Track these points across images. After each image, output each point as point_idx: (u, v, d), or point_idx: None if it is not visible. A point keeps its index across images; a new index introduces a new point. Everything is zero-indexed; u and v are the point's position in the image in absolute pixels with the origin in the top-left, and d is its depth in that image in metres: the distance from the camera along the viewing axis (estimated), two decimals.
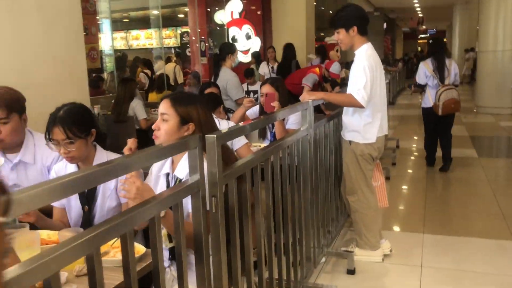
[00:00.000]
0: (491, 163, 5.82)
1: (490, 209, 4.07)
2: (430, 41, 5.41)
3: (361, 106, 2.72)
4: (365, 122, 2.87)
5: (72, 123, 1.78)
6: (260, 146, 3.37)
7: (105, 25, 6.52)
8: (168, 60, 8.98)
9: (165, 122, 1.73)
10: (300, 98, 2.82)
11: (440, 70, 5.07)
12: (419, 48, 33.52)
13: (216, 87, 3.74)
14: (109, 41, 6.66)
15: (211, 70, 7.74)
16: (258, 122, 2.08)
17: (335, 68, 5.89)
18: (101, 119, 5.12)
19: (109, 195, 1.89)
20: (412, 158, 6.31)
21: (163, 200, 1.38)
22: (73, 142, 1.78)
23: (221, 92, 4.34)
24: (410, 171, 5.63)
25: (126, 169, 1.23)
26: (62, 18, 3.35)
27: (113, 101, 5.02)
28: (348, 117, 2.96)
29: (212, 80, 4.60)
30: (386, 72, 9.59)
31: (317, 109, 4.25)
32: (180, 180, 1.75)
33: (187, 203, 1.60)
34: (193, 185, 1.48)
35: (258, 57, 7.90)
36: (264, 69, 7.50)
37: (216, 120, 2.81)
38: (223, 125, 2.85)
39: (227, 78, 4.55)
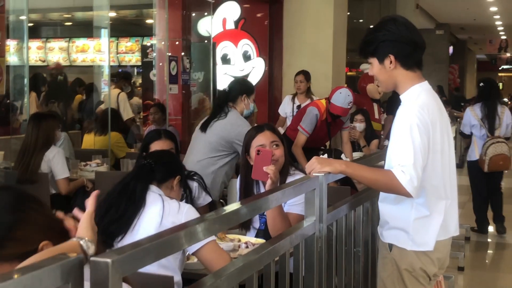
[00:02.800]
0: None
1: None
2: (481, 84, 6.39)
3: (407, 194, 2.35)
4: (418, 215, 2.51)
5: None
6: (239, 240, 3.00)
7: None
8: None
9: None
10: (306, 167, 2.45)
11: (490, 119, 6.00)
12: (501, 85, 33.70)
13: (171, 140, 3.44)
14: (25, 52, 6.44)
15: (186, 104, 7.48)
16: (220, 219, 1.69)
17: (339, 97, 5.32)
18: None
19: None
20: (492, 258, 5.95)
21: None
22: None
23: (217, 141, 4.33)
24: (489, 281, 5.32)
25: None
26: None
27: None
28: (388, 204, 2.58)
29: (207, 122, 4.49)
30: (452, 120, 9.39)
31: (344, 180, 3.92)
32: None
33: None
34: None
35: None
36: (286, 108, 7.12)
37: (158, 201, 2.53)
38: (168, 211, 2.47)
39: (239, 124, 4.40)
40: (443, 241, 2.55)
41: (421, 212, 2.50)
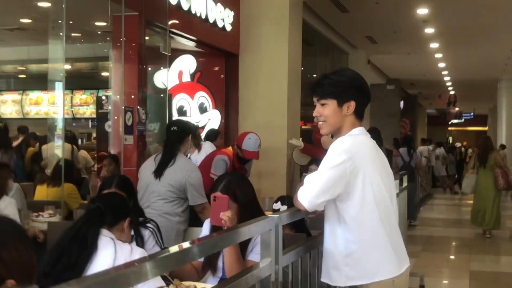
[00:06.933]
0: None
1: None
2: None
3: (302, 207, 2.58)
4: (348, 250, 2.58)
5: None
6: (195, 287, 2.97)
7: None
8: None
9: None
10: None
11: None
12: (450, 139, 34.59)
13: (122, 191, 3.42)
14: None
15: (141, 155, 7.44)
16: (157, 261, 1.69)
17: (249, 143, 5.69)
18: None
19: None
20: None
21: None
22: None
23: (171, 190, 4.42)
24: None
25: None
26: None
27: None
28: (326, 237, 2.71)
29: (160, 169, 4.53)
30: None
31: (296, 225, 3.96)
32: None
33: None
34: None
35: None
36: None
37: (110, 245, 2.50)
38: (120, 254, 2.46)
39: (188, 169, 4.54)
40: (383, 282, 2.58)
41: (349, 247, 2.57)
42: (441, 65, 17.63)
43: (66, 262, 2.45)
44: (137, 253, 2.51)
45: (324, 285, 3.00)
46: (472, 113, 31.47)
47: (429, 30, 12.77)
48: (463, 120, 31.77)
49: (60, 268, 2.43)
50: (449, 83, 22.08)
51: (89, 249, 2.48)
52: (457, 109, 28.54)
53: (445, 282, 7.12)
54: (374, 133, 9.07)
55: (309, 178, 2.62)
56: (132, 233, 3.17)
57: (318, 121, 2.69)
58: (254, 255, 3.05)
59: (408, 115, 24.10)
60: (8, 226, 1.59)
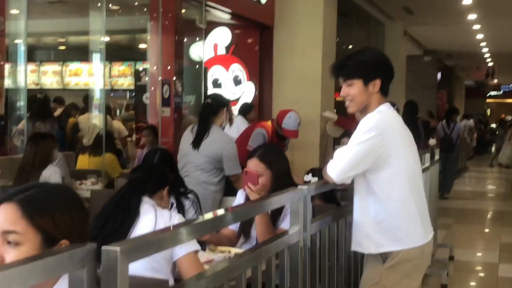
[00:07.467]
0: None
1: None
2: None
3: (330, 180, 2.73)
4: (378, 219, 2.72)
5: None
6: (229, 252, 3.18)
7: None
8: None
9: (15, 248, 1.52)
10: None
11: None
12: (488, 111, 34.11)
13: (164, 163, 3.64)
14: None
15: (178, 127, 7.66)
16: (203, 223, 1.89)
17: (289, 122, 5.78)
18: None
19: None
20: (476, 278, 6.16)
21: None
22: None
23: (208, 161, 4.63)
24: None
25: None
26: None
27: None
28: (356, 208, 2.84)
29: (197, 141, 4.73)
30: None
31: (327, 196, 4.12)
32: None
33: None
34: None
35: None
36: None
37: (151, 211, 2.72)
38: (160, 220, 2.69)
39: (224, 141, 4.73)
40: (415, 248, 2.73)
41: (378, 215, 2.72)
42: (479, 36, 17.38)
43: (111, 226, 2.68)
44: (176, 218, 2.73)
45: (350, 252, 3.19)
46: (511, 85, 30.95)
47: (467, 1, 12.62)
48: (501, 92, 31.30)
49: (106, 232, 2.67)
50: (487, 55, 21.74)
51: (132, 215, 2.71)
52: (495, 80, 28.09)
53: (475, 253, 7.21)
54: (411, 106, 9.02)
55: (339, 152, 2.79)
56: (174, 201, 3.40)
57: (345, 100, 2.84)
58: (285, 224, 3.23)
59: (445, 87, 23.82)
60: (62, 192, 1.69)
